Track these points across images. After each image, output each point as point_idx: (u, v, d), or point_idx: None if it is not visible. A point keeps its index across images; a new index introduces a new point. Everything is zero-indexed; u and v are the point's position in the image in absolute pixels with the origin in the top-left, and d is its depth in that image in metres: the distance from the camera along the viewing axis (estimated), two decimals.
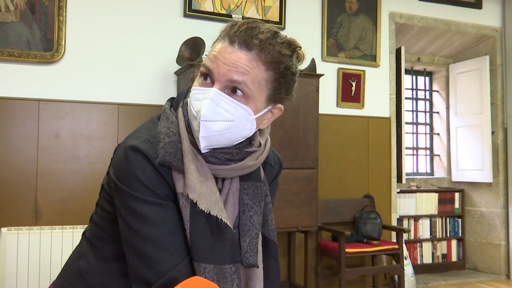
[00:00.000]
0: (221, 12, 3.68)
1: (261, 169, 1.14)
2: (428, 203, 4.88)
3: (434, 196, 4.92)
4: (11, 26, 3.14)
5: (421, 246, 4.84)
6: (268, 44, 0.98)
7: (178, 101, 1.09)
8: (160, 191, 0.98)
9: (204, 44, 3.29)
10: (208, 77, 1.01)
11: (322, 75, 3.63)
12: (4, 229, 2.98)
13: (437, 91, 5.36)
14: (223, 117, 0.98)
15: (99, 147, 3.32)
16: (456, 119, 5.08)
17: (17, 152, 3.14)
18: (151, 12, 3.52)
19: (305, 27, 4.00)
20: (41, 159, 3.19)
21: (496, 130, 4.78)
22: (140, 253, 0.95)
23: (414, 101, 5.30)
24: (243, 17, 3.72)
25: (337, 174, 4.11)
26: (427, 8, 4.50)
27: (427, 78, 5.39)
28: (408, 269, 4.14)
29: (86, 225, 1.18)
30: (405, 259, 4.09)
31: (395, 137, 4.38)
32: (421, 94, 5.36)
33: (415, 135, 5.28)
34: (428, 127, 5.38)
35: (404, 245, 3.97)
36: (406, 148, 4.74)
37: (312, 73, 3.55)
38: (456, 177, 5.05)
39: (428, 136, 5.37)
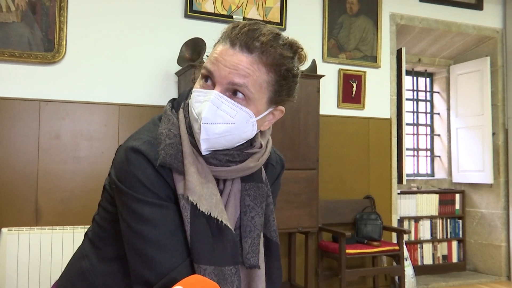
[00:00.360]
0: (222, 13, 3.68)
1: (263, 169, 1.14)
2: (429, 204, 4.88)
3: (435, 197, 4.91)
4: (12, 26, 3.14)
5: (422, 247, 4.83)
6: (269, 47, 0.98)
7: (179, 103, 1.09)
8: (161, 192, 0.98)
9: (205, 45, 3.29)
10: (209, 79, 1.01)
11: (323, 76, 3.63)
12: (4, 230, 2.99)
13: (437, 92, 5.36)
14: (224, 120, 0.98)
15: (100, 147, 3.33)
16: (456, 120, 5.07)
17: (18, 152, 3.15)
18: (152, 13, 3.52)
19: (305, 28, 4.01)
20: (42, 160, 3.19)
21: (497, 131, 4.78)
22: (141, 254, 0.95)
23: (415, 102, 5.30)
24: (244, 18, 3.72)
25: (337, 175, 4.11)
26: (428, 9, 4.50)
27: (427, 79, 5.39)
28: (408, 270, 4.13)
29: (87, 226, 1.19)
30: (406, 260, 4.09)
31: (396, 138, 4.38)
32: (421, 95, 5.36)
33: (415, 136, 5.27)
34: (428, 128, 5.37)
35: (404, 246, 3.97)
36: (407, 149, 4.74)
37: (312, 74, 3.55)
38: (457, 178, 5.05)
39: (428, 137, 5.36)
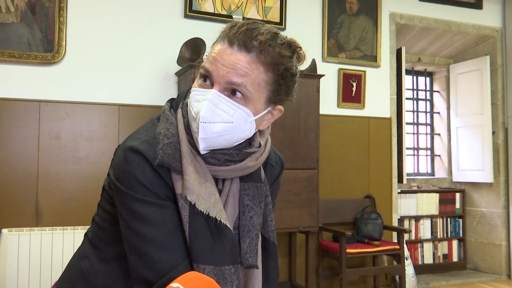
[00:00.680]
0: (221, 12, 3.68)
1: (262, 169, 1.14)
2: (429, 203, 4.88)
3: (435, 197, 4.91)
4: (11, 27, 3.14)
5: (422, 247, 4.83)
6: (267, 46, 0.98)
7: (178, 102, 1.09)
8: (159, 192, 0.98)
9: (205, 45, 3.29)
10: (208, 78, 1.01)
11: (323, 75, 3.63)
12: (5, 230, 2.99)
13: (437, 92, 5.36)
14: (222, 119, 0.98)
15: (100, 148, 3.33)
16: (456, 119, 5.07)
17: (18, 153, 3.15)
18: (151, 13, 3.52)
19: (305, 28, 4.00)
20: (42, 160, 3.19)
21: (497, 130, 4.78)
22: (141, 253, 0.96)
23: (415, 102, 5.30)
24: (243, 18, 3.72)
25: (337, 174, 4.11)
26: (428, 9, 4.50)
27: (427, 79, 5.39)
28: (409, 269, 4.13)
29: (87, 226, 1.19)
30: (406, 259, 4.09)
31: (396, 138, 4.38)
32: (421, 95, 5.36)
33: (415, 135, 5.27)
34: (428, 127, 5.37)
35: (405, 245, 3.97)
36: (407, 148, 4.74)
37: (312, 74, 3.55)
38: (457, 177, 5.05)
39: (428, 136, 5.36)
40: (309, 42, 4.00)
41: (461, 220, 5.03)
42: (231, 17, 3.69)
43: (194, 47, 3.36)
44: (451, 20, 4.61)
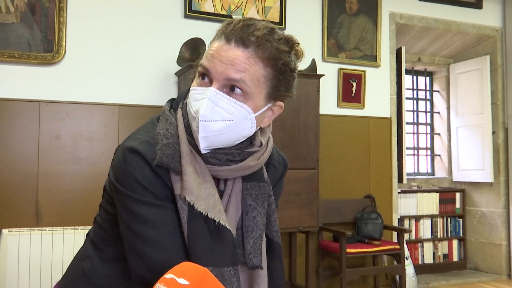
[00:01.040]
0: (221, 12, 3.68)
1: (264, 169, 1.13)
2: (429, 203, 4.88)
3: (435, 196, 4.91)
4: (11, 27, 3.14)
5: (422, 246, 4.83)
6: (265, 41, 0.97)
7: (178, 102, 1.09)
8: (159, 192, 0.97)
9: (205, 45, 3.29)
10: (206, 76, 1.00)
11: (323, 75, 3.63)
12: (5, 231, 2.99)
13: (437, 91, 5.36)
14: (222, 117, 0.97)
15: (100, 148, 3.33)
16: (456, 119, 5.07)
17: (18, 153, 3.15)
18: (151, 13, 3.52)
19: (305, 28, 4.00)
20: (42, 160, 3.19)
21: (497, 130, 4.78)
22: (140, 254, 0.95)
23: (415, 101, 5.30)
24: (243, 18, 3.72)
25: (338, 174, 4.11)
26: (428, 8, 4.50)
27: (427, 78, 5.39)
28: (409, 269, 4.13)
29: (88, 226, 1.19)
30: (406, 259, 4.09)
31: (396, 137, 4.38)
32: (421, 94, 5.36)
33: (415, 135, 5.27)
34: (428, 127, 5.37)
35: (405, 245, 3.97)
36: (407, 148, 4.74)
37: (312, 74, 3.55)
38: (457, 177, 5.05)
39: (428, 136, 5.36)
40: (309, 42, 4.00)
41: (461, 220, 5.03)
42: (230, 17, 3.69)
43: (194, 47, 3.36)
44: (451, 20, 4.60)
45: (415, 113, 5.29)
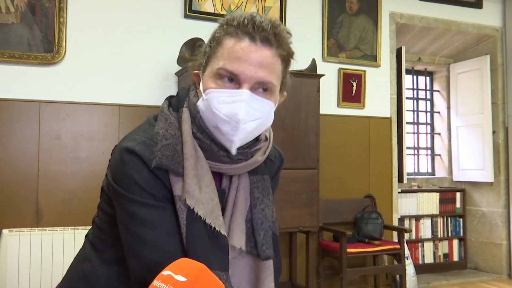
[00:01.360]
0: (221, 12, 3.68)
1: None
2: (429, 203, 4.88)
3: (435, 196, 4.91)
4: (11, 27, 3.14)
5: (423, 246, 4.83)
6: (283, 38, 0.99)
7: (180, 102, 1.07)
8: (157, 193, 0.97)
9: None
10: (232, 78, 0.98)
11: (323, 75, 3.62)
12: (5, 231, 2.99)
13: (437, 91, 5.36)
14: (254, 117, 0.98)
15: (100, 148, 3.33)
16: (457, 118, 5.07)
17: (18, 153, 3.14)
18: (151, 13, 3.52)
19: (305, 28, 4.00)
20: (42, 160, 3.19)
21: (497, 130, 4.78)
22: (139, 255, 0.94)
23: (415, 101, 5.30)
24: None
25: (338, 174, 4.10)
26: (428, 8, 4.50)
27: (427, 78, 5.39)
28: (409, 269, 4.13)
29: (88, 226, 1.18)
30: (407, 259, 4.09)
31: (396, 137, 4.38)
32: (422, 94, 5.36)
33: (416, 135, 5.27)
34: (429, 127, 5.37)
35: (405, 245, 3.97)
36: (407, 148, 4.74)
37: (312, 74, 3.55)
38: (457, 176, 5.05)
39: (429, 136, 5.36)
40: (309, 42, 4.00)
41: (461, 219, 5.02)
42: None
43: (194, 47, 3.36)
44: (451, 20, 4.60)
45: (415, 112, 5.29)
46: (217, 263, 0.98)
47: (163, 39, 3.53)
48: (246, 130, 0.98)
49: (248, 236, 1.05)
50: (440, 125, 5.32)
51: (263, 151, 1.08)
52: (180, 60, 3.39)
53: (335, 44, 4.11)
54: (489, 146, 4.73)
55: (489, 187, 4.83)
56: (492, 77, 4.79)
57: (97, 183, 3.24)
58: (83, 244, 1.17)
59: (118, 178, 0.97)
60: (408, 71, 5.05)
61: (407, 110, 4.90)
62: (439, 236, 4.90)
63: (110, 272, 1.07)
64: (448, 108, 5.21)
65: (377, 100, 4.30)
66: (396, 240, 4.03)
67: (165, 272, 0.79)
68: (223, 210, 1.06)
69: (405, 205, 4.73)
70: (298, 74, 3.42)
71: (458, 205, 5.02)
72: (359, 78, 4.18)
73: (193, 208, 0.96)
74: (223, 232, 1.00)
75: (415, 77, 5.29)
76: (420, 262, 4.79)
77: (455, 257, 4.97)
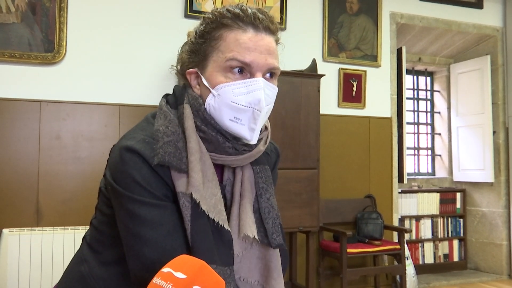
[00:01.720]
0: None
1: None
2: (430, 203, 4.87)
3: (436, 196, 4.91)
4: (12, 27, 3.14)
5: (423, 246, 4.83)
6: (276, 24, 1.05)
7: (178, 99, 1.07)
8: (157, 192, 0.96)
9: None
10: (243, 69, 1.01)
11: (323, 75, 3.62)
12: (5, 230, 2.99)
13: (438, 91, 5.35)
14: (267, 102, 1.02)
15: (100, 148, 3.33)
16: (457, 119, 5.07)
17: (19, 153, 3.15)
18: (152, 13, 3.52)
19: (306, 28, 4.00)
20: (43, 160, 3.19)
21: (498, 130, 4.78)
22: (139, 255, 0.93)
23: (415, 101, 5.30)
24: None
25: (338, 174, 4.11)
26: (428, 8, 4.50)
27: (428, 78, 5.39)
28: (409, 269, 4.13)
29: (88, 226, 1.18)
30: (407, 259, 4.09)
31: (397, 137, 4.38)
32: (422, 94, 5.36)
33: (416, 135, 5.27)
34: (429, 127, 5.37)
35: (405, 245, 3.97)
36: (408, 148, 4.74)
37: (313, 74, 3.55)
38: (458, 177, 5.05)
39: (429, 136, 5.36)
40: (310, 42, 4.00)
41: (461, 219, 5.02)
42: None
43: None
44: (452, 20, 4.60)
45: (416, 113, 5.29)
46: (221, 258, 0.97)
47: (163, 39, 3.53)
48: (263, 117, 1.02)
49: (257, 226, 1.05)
50: (440, 125, 5.32)
51: (264, 141, 1.09)
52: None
53: (335, 44, 4.11)
54: (489, 146, 4.73)
55: (490, 187, 4.83)
56: (492, 77, 4.79)
57: (98, 183, 3.22)
58: (80, 245, 1.15)
59: (117, 178, 0.96)
60: (408, 71, 5.05)
61: (407, 110, 4.90)
62: (439, 236, 4.90)
63: (108, 274, 1.06)
64: (449, 108, 5.20)
65: (378, 100, 4.30)
66: (396, 240, 4.03)
67: (165, 269, 0.79)
68: (227, 204, 1.07)
69: (405, 205, 4.73)
70: (298, 74, 3.42)
71: (458, 205, 5.01)
72: (359, 78, 4.18)
73: (198, 203, 0.95)
74: (226, 227, 0.99)
75: (415, 77, 5.29)
76: (420, 262, 4.79)
77: (455, 258, 4.97)
